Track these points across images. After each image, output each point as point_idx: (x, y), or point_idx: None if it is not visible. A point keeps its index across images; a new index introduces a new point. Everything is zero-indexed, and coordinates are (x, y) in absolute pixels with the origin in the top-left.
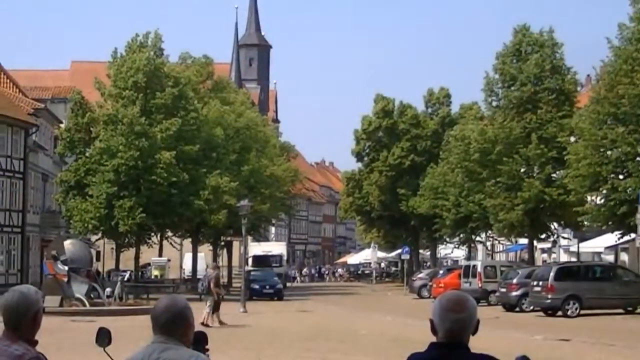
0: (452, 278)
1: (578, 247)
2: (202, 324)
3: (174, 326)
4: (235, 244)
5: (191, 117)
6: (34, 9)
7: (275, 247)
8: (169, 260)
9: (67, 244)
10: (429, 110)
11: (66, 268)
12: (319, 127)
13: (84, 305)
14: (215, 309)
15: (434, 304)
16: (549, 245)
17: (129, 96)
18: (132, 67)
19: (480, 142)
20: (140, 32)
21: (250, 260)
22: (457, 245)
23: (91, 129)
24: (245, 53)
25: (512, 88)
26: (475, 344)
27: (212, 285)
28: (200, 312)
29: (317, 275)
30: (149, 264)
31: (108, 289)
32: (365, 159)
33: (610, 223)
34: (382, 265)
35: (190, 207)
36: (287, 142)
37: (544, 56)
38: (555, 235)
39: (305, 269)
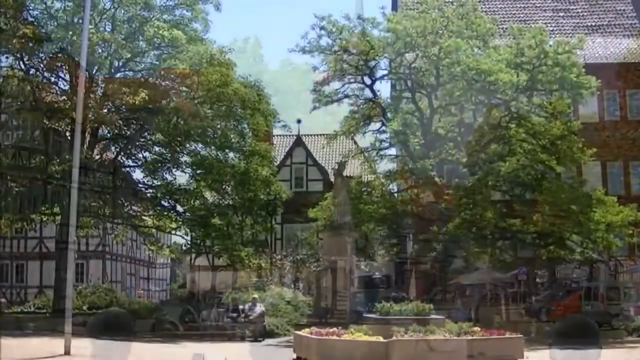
0: (573, 300)
1: None
2: None
3: None
4: (340, 264)
5: None
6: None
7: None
8: None
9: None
10: None
11: None
12: None
13: (178, 329)
14: None
15: (552, 328)
16: None
17: None
18: None
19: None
20: (239, 38)
21: (355, 282)
22: (577, 266)
23: None
24: None
25: None
26: None
27: None
28: None
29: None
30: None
31: (204, 312)
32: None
33: None
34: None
35: None
36: None
37: None
38: None
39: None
